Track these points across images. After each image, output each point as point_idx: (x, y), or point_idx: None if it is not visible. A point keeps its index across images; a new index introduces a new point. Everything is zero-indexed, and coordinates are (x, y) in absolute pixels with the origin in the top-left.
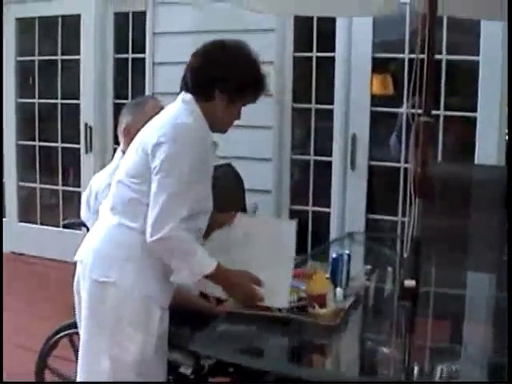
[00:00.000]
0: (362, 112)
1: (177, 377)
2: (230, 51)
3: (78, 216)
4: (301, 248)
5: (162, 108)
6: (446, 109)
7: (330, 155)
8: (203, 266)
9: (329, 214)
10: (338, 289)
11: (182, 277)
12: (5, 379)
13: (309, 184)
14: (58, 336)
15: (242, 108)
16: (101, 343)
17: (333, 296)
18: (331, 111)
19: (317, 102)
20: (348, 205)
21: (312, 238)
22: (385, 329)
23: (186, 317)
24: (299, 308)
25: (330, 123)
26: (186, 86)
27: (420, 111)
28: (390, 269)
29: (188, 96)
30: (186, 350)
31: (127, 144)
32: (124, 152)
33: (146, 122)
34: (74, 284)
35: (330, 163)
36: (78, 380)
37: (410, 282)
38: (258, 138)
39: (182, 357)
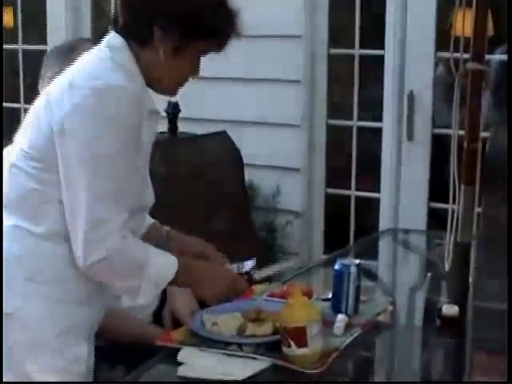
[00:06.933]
0: (424, 61)
1: None
2: None
3: None
4: (341, 245)
5: None
6: None
7: (380, 120)
8: (166, 270)
9: (378, 200)
10: (340, 316)
11: (142, 295)
12: None
13: (351, 159)
14: None
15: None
16: None
17: (319, 328)
18: (381, 58)
19: (361, 46)
20: (404, 188)
21: (355, 233)
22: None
23: (121, 351)
24: (270, 345)
25: (380, 76)
26: (116, 25)
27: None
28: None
29: (118, 40)
30: None
31: None
32: None
33: None
34: None
35: (379, 131)
36: None
37: (450, 309)
38: (280, 96)
39: None
